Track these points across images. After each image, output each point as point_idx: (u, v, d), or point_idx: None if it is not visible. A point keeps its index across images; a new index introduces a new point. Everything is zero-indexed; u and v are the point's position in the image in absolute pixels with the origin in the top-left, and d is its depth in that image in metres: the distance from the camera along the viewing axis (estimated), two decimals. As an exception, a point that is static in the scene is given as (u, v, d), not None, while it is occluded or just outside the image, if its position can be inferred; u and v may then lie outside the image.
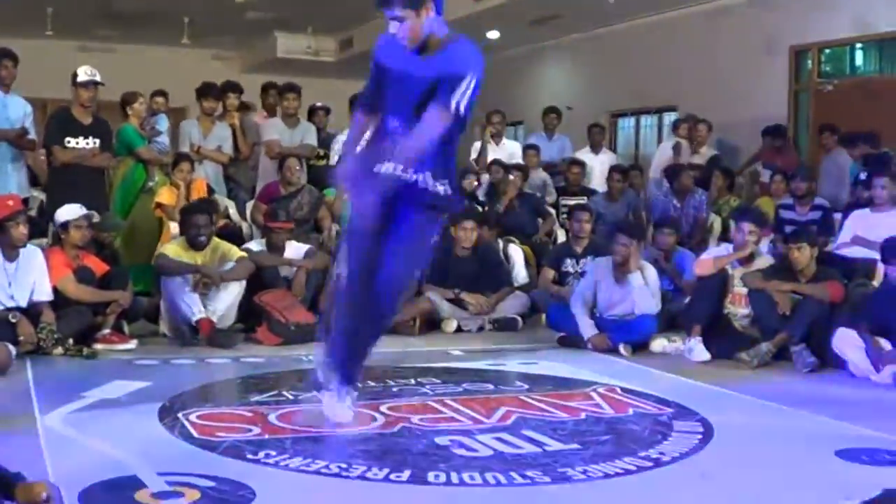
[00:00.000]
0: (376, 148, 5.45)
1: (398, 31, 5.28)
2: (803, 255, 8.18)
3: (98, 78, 9.90)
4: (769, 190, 11.80)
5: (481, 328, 9.67)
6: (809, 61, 14.29)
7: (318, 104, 12.88)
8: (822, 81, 14.01)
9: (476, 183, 12.02)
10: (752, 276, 8.35)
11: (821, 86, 13.94)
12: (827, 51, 14.33)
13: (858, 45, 14.11)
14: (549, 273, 9.91)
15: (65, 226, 8.32)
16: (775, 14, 14.31)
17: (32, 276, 7.88)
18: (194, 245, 8.87)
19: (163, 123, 11.50)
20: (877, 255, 8.63)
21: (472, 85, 5.18)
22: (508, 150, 13.22)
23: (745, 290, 8.40)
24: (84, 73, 9.88)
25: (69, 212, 8.37)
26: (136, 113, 11.04)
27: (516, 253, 10.40)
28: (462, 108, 5.17)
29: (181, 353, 8.08)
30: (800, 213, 10.48)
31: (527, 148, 13.46)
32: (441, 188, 5.37)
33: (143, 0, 17.36)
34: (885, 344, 7.45)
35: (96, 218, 8.69)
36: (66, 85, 10.13)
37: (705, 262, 8.65)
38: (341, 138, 11.52)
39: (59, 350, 7.71)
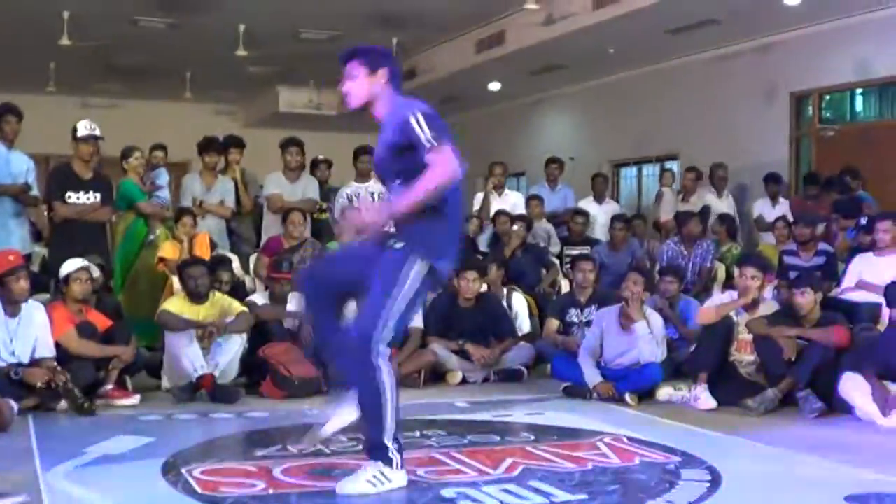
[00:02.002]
0: None
1: (345, 88, 5.50)
2: (807, 300, 8.17)
3: (98, 132, 9.93)
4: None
5: (486, 379, 9.63)
6: (810, 107, 14.33)
7: (321, 157, 12.88)
8: (823, 127, 14.03)
9: (478, 228, 12.04)
10: (757, 322, 8.32)
11: (822, 131, 13.96)
12: (827, 96, 14.37)
13: (858, 91, 14.16)
14: (554, 323, 9.88)
15: (66, 280, 8.31)
16: (775, 60, 14.38)
17: (34, 332, 7.86)
18: (194, 297, 8.84)
19: (163, 177, 11.53)
20: (881, 299, 8.62)
21: (420, 116, 5.19)
22: (511, 200, 13.22)
23: (750, 337, 8.37)
24: (84, 128, 9.90)
25: (69, 265, 8.37)
26: (132, 167, 11.06)
27: (520, 303, 10.36)
28: (431, 138, 5.16)
29: (184, 409, 8.03)
30: (804, 258, 10.47)
31: (530, 199, 13.46)
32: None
33: (145, 55, 17.45)
34: (892, 387, 7.43)
35: (95, 272, 8.63)
36: (67, 140, 10.14)
37: (708, 311, 8.63)
38: (345, 191, 11.55)
39: (64, 403, 7.69)
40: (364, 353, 5.17)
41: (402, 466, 5.32)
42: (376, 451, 5.31)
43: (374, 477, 5.25)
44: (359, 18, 15.27)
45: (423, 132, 5.15)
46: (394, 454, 5.29)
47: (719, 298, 8.94)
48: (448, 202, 5.36)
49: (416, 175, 5.16)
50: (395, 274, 5.23)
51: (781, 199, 13.05)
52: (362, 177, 11.94)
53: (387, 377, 5.22)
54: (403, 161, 5.27)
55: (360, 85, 5.45)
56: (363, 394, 5.28)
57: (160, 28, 15.92)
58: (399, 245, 5.29)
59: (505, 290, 10.41)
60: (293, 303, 9.37)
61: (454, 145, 5.27)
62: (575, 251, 12.15)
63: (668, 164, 16.40)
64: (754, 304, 8.51)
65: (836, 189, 11.69)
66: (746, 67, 14.85)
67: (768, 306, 8.60)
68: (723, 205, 13.18)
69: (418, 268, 5.26)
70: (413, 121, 5.17)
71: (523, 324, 10.28)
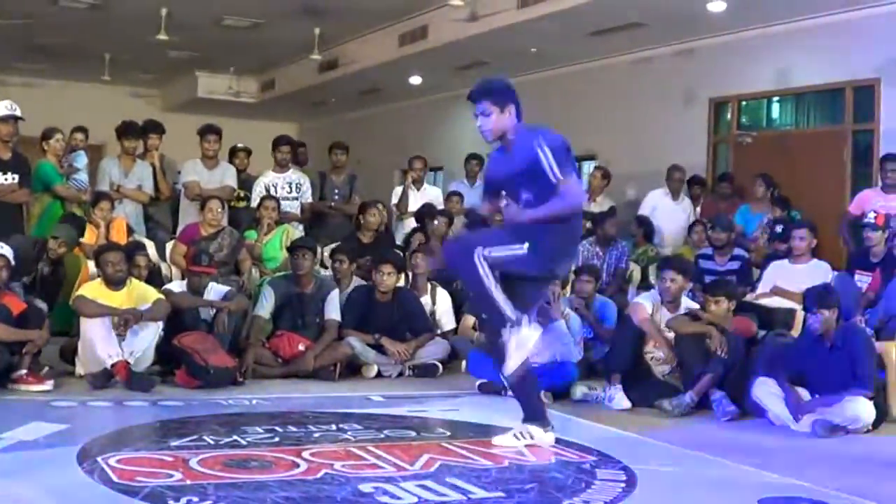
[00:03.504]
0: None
1: (481, 124, 6.36)
2: (720, 308, 8.30)
3: (18, 112, 9.81)
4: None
5: (401, 374, 9.64)
6: (728, 113, 14.48)
7: (240, 145, 12.82)
8: (741, 133, 14.18)
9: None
10: (678, 320, 8.41)
11: (740, 137, 14.11)
12: (744, 103, 14.52)
13: (776, 99, 14.33)
14: (470, 320, 9.89)
15: (-21, 266, 8.15)
16: (695, 66, 14.52)
17: (-54, 314, 7.72)
18: (111, 283, 8.75)
19: (81, 160, 11.42)
20: (795, 305, 8.76)
21: (547, 151, 6.10)
22: (430, 195, 13.24)
23: (671, 335, 8.43)
24: (3, 108, 9.79)
25: None
26: (53, 149, 10.96)
27: (443, 299, 10.36)
28: (558, 173, 6.07)
29: (98, 396, 7.94)
30: (718, 262, 10.60)
31: (451, 195, 13.46)
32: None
33: (64, 35, 17.22)
34: (804, 393, 7.53)
35: (7, 251, 8.47)
36: (-18, 118, 9.99)
37: (643, 308, 8.67)
38: (263, 181, 11.53)
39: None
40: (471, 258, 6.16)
41: None
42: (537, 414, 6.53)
43: (521, 433, 6.40)
44: (282, 7, 15.20)
45: (552, 168, 6.05)
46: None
47: (645, 296, 8.97)
48: (571, 221, 6.33)
49: (541, 195, 6.12)
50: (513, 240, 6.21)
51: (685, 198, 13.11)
52: (281, 167, 11.94)
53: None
54: (530, 185, 6.19)
55: (494, 122, 6.35)
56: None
57: (81, 8, 15.71)
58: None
59: (429, 286, 10.41)
60: (211, 293, 9.31)
61: (577, 175, 6.43)
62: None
63: (586, 165, 16.48)
64: (675, 304, 8.59)
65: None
66: (668, 71, 14.96)
67: (687, 305, 8.69)
68: (679, 208, 13.10)
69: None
70: (542, 157, 6.07)
71: (447, 319, 10.28)
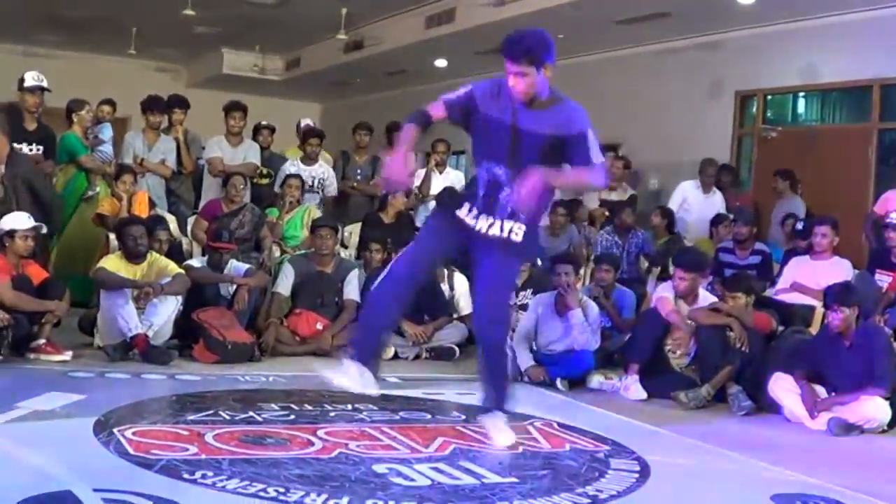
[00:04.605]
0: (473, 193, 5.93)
1: (516, 84, 5.66)
2: (738, 304, 8.27)
3: (45, 84, 9.82)
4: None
5: (418, 356, 9.65)
6: (754, 107, 14.42)
7: (264, 123, 12.82)
8: (766, 127, 14.13)
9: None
10: (701, 311, 8.39)
11: (764, 132, 14.06)
12: (770, 97, 14.47)
13: (802, 94, 14.28)
14: (486, 304, 9.86)
15: (10, 234, 8.15)
16: (723, 58, 14.46)
17: (-32, 281, 7.74)
18: (132, 257, 8.78)
19: (106, 133, 11.45)
20: (815, 302, 8.73)
21: (593, 136, 5.71)
22: (452, 178, 13.20)
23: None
24: (31, 79, 9.79)
25: (17, 221, 8.20)
26: (82, 121, 10.98)
27: (461, 283, 10.37)
28: (598, 157, 5.74)
29: (116, 368, 7.97)
30: (739, 256, 10.54)
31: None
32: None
33: (90, 7, 17.21)
34: (821, 391, 7.52)
35: (44, 230, 8.54)
36: (8, 89, 10.00)
37: (667, 301, 8.65)
38: (290, 168, 11.56)
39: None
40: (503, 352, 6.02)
41: None
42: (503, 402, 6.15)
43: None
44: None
45: (594, 150, 5.69)
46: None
47: (663, 287, 8.96)
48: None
49: (513, 161, 5.70)
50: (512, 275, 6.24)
51: (716, 191, 13.01)
52: (310, 160, 11.97)
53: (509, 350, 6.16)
54: (548, 154, 5.69)
55: (529, 84, 5.66)
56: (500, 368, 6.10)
57: (109, -19, 15.72)
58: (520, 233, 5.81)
59: (445, 270, 10.41)
60: (231, 270, 9.34)
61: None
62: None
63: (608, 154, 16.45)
64: (692, 298, 8.58)
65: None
66: (694, 63, 14.90)
67: (705, 298, 8.67)
68: (708, 201, 12.83)
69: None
70: (591, 134, 5.68)
71: (465, 304, 10.28)
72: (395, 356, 9.52)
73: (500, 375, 6.13)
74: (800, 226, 10.86)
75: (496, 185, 5.78)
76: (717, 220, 11.78)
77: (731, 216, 11.38)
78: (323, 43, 18.80)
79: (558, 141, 5.68)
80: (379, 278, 6.06)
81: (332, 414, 6.63)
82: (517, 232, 5.79)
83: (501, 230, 5.80)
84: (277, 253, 10.63)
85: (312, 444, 5.74)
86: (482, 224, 5.81)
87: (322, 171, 12.06)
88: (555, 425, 6.79)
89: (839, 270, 9.28)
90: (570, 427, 6.75)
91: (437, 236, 6.09)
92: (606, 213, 12.79)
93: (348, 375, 5.87)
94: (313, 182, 11.84)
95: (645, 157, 14.42)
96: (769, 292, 9.73)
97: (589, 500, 5.04)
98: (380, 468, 5.30)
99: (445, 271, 10.36)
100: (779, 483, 5.62)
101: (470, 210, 5.85)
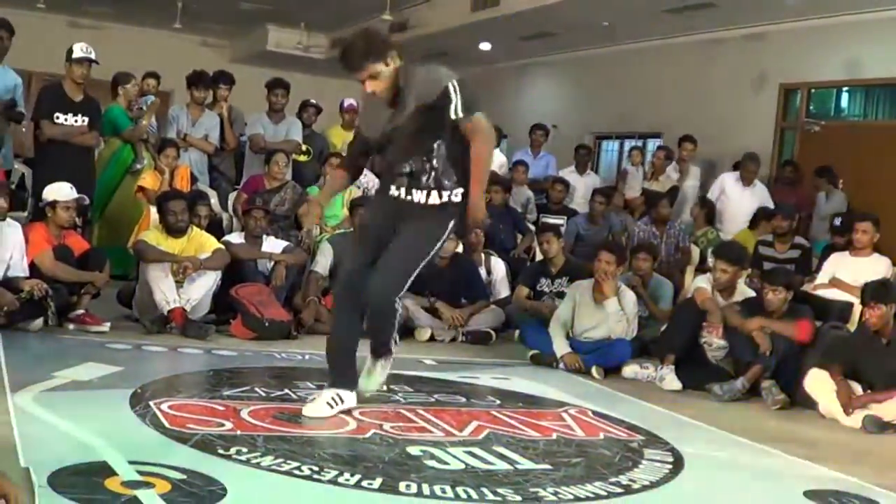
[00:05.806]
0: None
1: (374, 88, 5.66)
2: (777, 297, 8.18)
3: (93, 55, 9.84)
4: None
5: (454, 339, 9.65)
6: (798, 100, 14.36)
7: (312, 101, 12.80)
8: (810, 121, 14.06)
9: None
10: (730, 309, 8.35)
11: (808, 125, 14.00)
12: (814, 91, 14.40)
13: (845, 89, 14.20)
14: (524, 290, 9.86)
15: (52, 204, 8.21)
16: (768, 51, 14.40)
17: (9, 251, 7.79)
18: (172, 231, 8.82)
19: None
20: (853, 298, 8.68)
21: (458, 88, 5.59)
22: (497, 160, 13.20)
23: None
24: (80, 50, 9.81)
25: (59, 192, 8.25)
26: (127, 94, 11.06)
27: (499, 267, 10.36)
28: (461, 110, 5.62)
29: (153, 340, 8.03)
30: (778, 250, 10.50)
31: (517, 164, 13.50)
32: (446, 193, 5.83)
33: (139, -20, 17.30)
34: (857, 388, 7.48)
35: (86, 201, 8.59)
36: (53, 59, 10.05)
37: (704, 290, 8.61)
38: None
39: (38, 322, 7.78)
40: (391, 311, 5.98)
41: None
42: (382, 349, 6.16)
43: (332, 399, 5.90)
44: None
45: (458, 103, 5.60)
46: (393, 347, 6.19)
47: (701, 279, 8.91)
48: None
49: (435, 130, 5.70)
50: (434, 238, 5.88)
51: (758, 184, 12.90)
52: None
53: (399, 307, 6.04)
54: (428, 123, 5.68)
55: (385, 78, 5.64)
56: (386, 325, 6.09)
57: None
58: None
59: (483, 255, 10.41)
60: (268, 244, 9.37)
61: None
62: (552, 219, 12.18)
63: (651, 143, 16.42)
64: (730, 291, 8.55)
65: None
66: (739, 54, 14.86)
67: (743, 292, 8.64)
68: (747, 192, 12.58)
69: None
70: (452, 90, 5.60)
71: (502, 288, 10.29)
72: (432, 338, 9.53)
73: (386, 332, 6.18)
74: (837, 221, 10.80)
75: (412, 175, 5.82)
76: (763, 214, 11.68)
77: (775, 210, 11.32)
78: (368, 23, 18.78)
79: (427, 108, 5.64)
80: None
81: (366, 394, 6.63)
82: (438, 198, 5.83)
83: (423, 197, 5.84)
84: (317, 231, 10.64)
85: (347, 423, 5.76)
86: (406, 195, 5.86)
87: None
88: (589, 413, 6.79)
89: (879, 267, 9.22)
90: (605, 416, 6.74)
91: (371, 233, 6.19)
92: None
93: (317, 408, 5.91)
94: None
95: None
96: (807, 287, 9.67)
97: (622, 490, 5.03)
98: (413, 450, 5.31)
99: (482, 255, 10.37)
100: (812, 479, 5.59)
101: (398, 189, 5.88)
